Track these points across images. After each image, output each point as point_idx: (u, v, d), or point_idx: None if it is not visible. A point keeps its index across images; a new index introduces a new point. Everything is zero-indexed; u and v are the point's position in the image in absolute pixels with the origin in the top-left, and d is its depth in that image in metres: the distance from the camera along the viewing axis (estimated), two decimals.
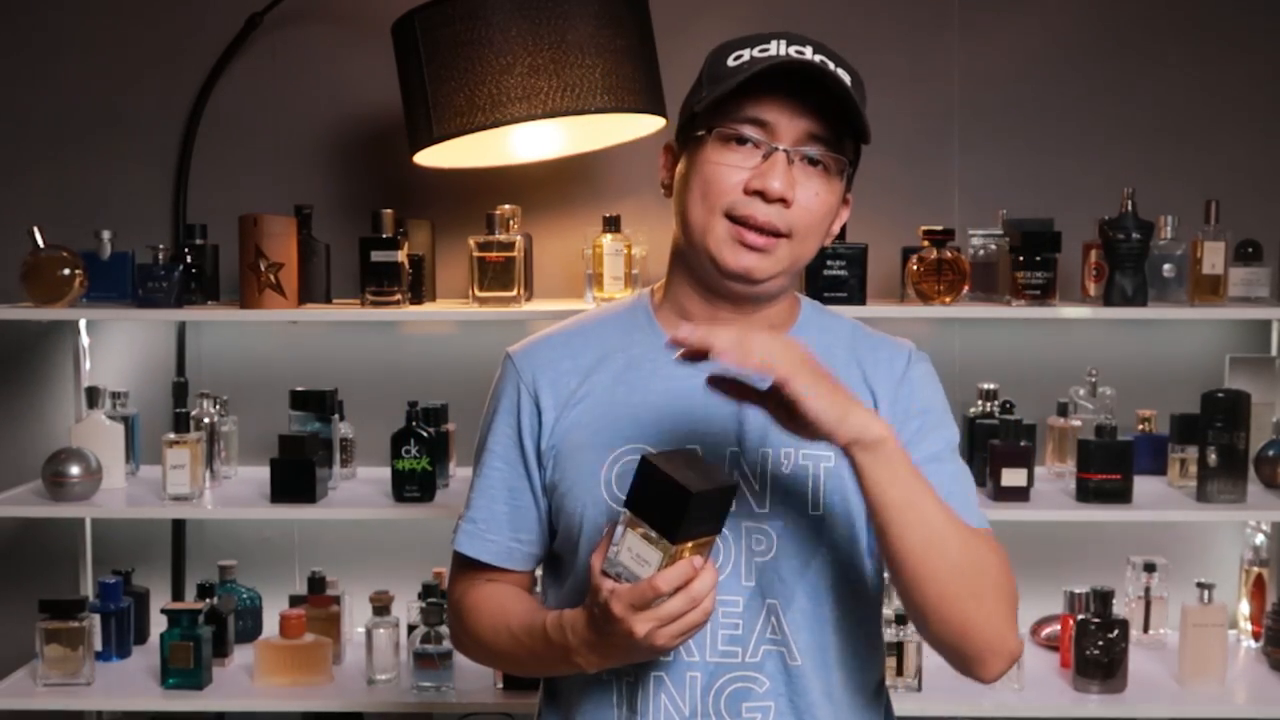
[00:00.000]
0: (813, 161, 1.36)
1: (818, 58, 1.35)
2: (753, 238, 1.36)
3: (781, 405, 1.24)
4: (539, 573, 1.55)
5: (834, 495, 1.39)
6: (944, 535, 1.29)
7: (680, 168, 1.42)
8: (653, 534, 1.22)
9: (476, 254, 2.50)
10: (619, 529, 1.25)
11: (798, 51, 1.35)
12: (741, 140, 1.35)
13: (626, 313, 1.50)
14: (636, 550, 1.23)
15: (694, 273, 1.43)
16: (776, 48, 1.35)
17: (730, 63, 1.36)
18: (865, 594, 1.44)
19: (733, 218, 1.36)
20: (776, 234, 1.36)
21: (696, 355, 1.24)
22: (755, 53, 1.35)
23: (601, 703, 1.41)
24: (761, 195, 1.34)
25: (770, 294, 1.42)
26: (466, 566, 1.51)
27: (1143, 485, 2.54)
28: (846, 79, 1.36)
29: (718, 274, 1.39)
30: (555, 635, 1.34)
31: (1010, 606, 1.36)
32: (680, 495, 1.20)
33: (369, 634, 2.50)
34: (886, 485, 1.26)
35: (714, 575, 1.25)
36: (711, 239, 1.37)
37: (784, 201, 1.35)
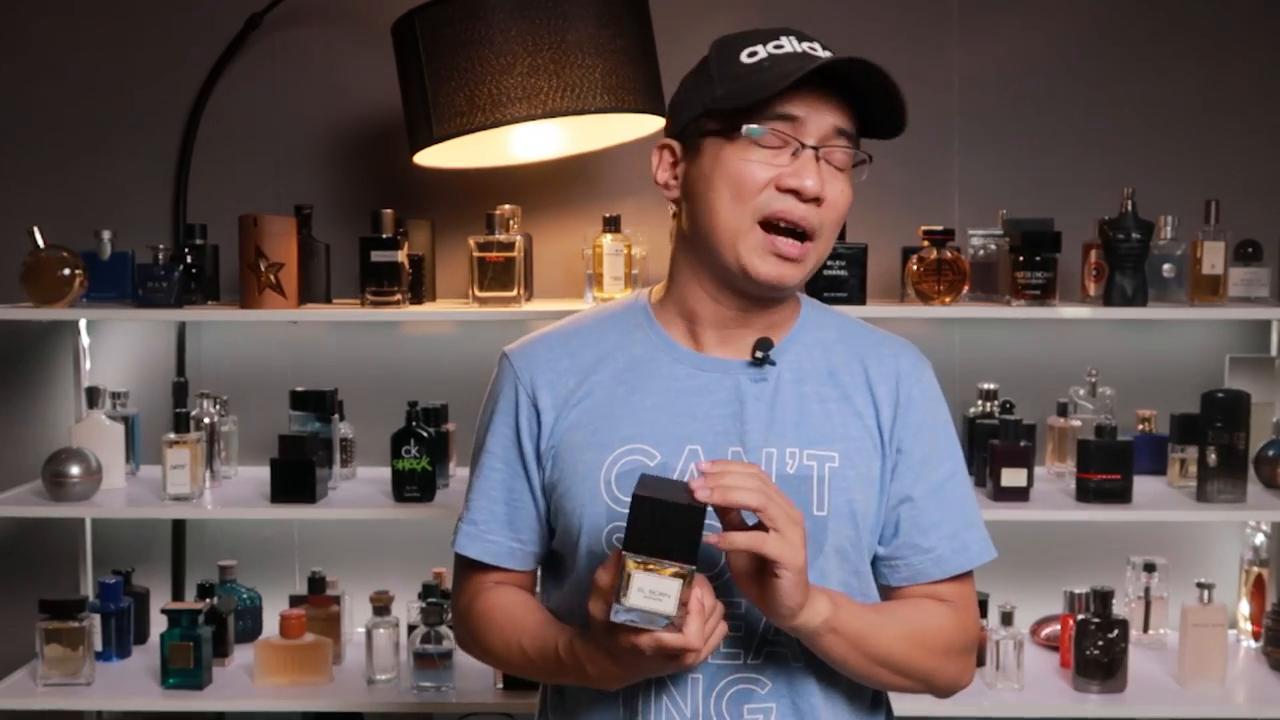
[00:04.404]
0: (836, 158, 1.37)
1: (825, 54, 1.36)
2: (788, 248, 1.35)
3: (748, 560, 1.27)
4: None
5: (838, 495, 1.39)
6: (891, 657, 1.37)
7: (696, 167, 1.39)
8: (667, 565, 1.20)
9: (476, 254, 2.50)
10: (622, 573, 1.21)
11: (810, 48, 1.36)
12: (767, 138, 1.35)
13: (625, 312, 1.49)
14: (650, 587, 1.20)
15: (705, 271, 1.41)
16: (790, 44, 1.36)
17: (745, 59, 1.36)
18: (867, 593, 1.44)
19: (765, 220, 1.35)
20: (808, 236, 1.36)
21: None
22: (770, 49, 1.36)
23: (604, 706, 1.41)
24: (796, 194, 1.34)
25: (788, 295, 1.43)
26: (469, 568, 1.50)
27: (1143, 485, 2.54)
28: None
29: (745, 279, 1.38)
30: (570, 662, 1.34)
31: (968, 658, 1.46)
32: (693, 515, 1.20)
33: (369, 634, 2.50)
34: (827, 651, 1.34)
35: (708, 584, 1.26)
36: (744, 245, 1.36)
37: (817, 200, 1.35)
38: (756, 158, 1.35)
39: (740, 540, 1.23)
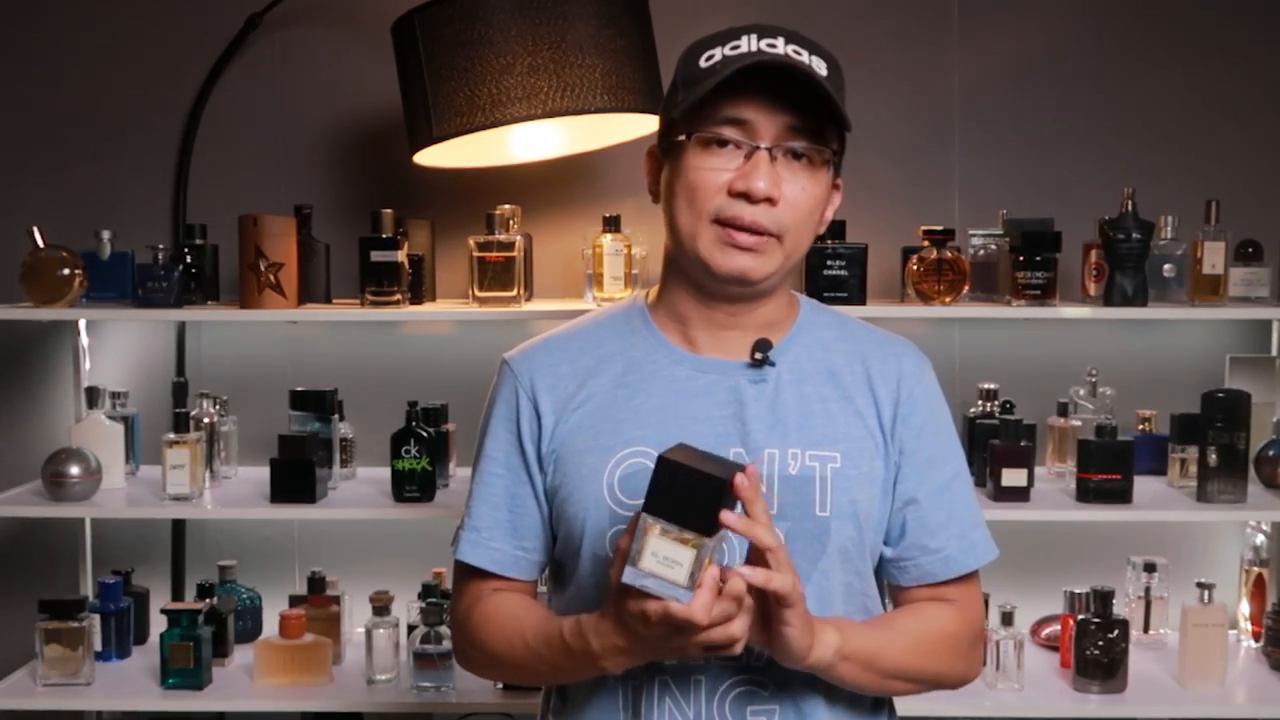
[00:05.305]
0: (796, 155, 1.35)
1: (790, 48, 1.33)
2: (742, 238, 1.35)
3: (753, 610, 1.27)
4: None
5: (841, 496, 1.39)
6: (901, 670, 1.39)
7: (666, 173, 1.40)
8: (682, 533, 1.19)
9: (476, 254, 2.50)
10: (639, 535, 1.20)
11: (769, 45, 1.33)
12: (722, 142, 1.34)
13: (622, 316, 1.49)
14: (664, 553, 1.20)
15: (688, 276, 1.42)
16: (747, 43, 1.34)
17: (702, 63, 1.35)
18: (867, 593, 1.44)
19: (720, 220, 1.35)
20: (765, 233, 1.35)
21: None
22: (726, 51, 1.34)
23: (606, 707, 1.40)
24: (746, 197, 1.34)
25: (766, 292, 1.42)
26: (471, 577, 1.48)
27: (1143, 485, 2.53)
28: (821, 68, 1.34)
29: (712, 278, 1.38)
30: (575, 643, 1.32)
31: (974, 652, 1.48)
32: (713, 486, 1.19)
33: (369, 634, 2.50)
34: (841, 678, 1.35)
35: (740, 578, 1.24)
36: (702, 245, 1.36)
37: (770, 201, 1.34)
38: (711, 164, 1.35)
39: (758, 577, 1.22)
